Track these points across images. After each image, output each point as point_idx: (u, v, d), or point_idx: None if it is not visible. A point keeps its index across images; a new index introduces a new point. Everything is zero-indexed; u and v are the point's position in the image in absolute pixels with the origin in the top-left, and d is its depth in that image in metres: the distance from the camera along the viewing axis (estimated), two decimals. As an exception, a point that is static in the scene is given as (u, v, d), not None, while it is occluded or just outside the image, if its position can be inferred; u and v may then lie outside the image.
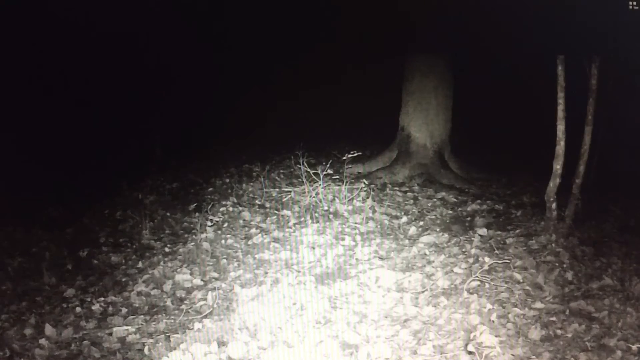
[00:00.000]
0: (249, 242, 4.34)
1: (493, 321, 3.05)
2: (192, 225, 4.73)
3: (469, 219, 4.90)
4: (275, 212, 4.97)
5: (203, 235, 4.41)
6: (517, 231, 4.39)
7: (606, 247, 4.06)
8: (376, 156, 6.59)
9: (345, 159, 5.41)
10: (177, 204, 5.34)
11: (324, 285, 3.56)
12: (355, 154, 5.49)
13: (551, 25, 4.04)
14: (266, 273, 3.79)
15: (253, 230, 4.56)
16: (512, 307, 3.21)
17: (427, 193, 5.65)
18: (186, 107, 7.85)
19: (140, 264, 4.04)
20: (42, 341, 3.04)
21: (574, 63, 4.09)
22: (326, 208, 4.97)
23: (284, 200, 5.22)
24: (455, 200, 5.44)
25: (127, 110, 7.10)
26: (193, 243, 4.32)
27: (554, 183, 4.16)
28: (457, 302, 3.28)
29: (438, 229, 4.60)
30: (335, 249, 4.14)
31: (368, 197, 5.19)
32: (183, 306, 3.43)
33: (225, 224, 4.71)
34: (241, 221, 4.79)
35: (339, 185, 5.33)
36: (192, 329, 3.10)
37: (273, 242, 4.30)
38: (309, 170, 5.34)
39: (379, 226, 4.64)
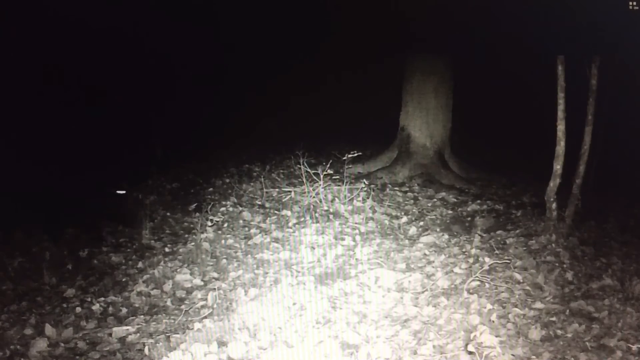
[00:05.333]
0: (249, 242, 4.34)
1: (493, 321, 3.05)
2: (192, 225, 4.73)
3: (469, 219, 4.90)
4: (276, 212, 4.97)
5: (203, 235, 4.41)
6: (517, 231, 4.39)
7: (606, 247, 4.07)
8: (376, 156, 6.60)
9: (345, 159, 5.41)
10: (177, 204, 5.34)
11: (324, 285, 3.56)
12: (355, 154, 5.49)
13: (551, 26, 4.04)
14: (266, 273, 3.79)
15: (253, 230, 4.56)
16: (512, 307, 3.21)
17: (427, 193, 5.65)
18: (187, 107, 7.85)
19: (140, 264, 4.04)
20: (42, 341, 3.03)
21: (574, 63, 4.09)
22: (326, 208, 4.97)
23: (284, 200, 5.22)
24: (456, 200, 5.45)
25: (127, 111, 7.10)
26: (193, 243, 4.32)
27: (554, 183, 4.16)
28: (457, 302, 3.28)
29: (438, 229, 4.60)
30: (335, 249, 4.14)
31: (368, 197, 5.19)
32: (183, 306, 3.43)
33: (226, 224, 4.71)
34: (241, 221, 4.79)
35: (339, 186, 5.33)
36: (192, 329, 3.10)
37: (273, 242, 4.30)
38: (309, 170, 5.34)
39: (379, 226, 4.64)
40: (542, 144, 4.47)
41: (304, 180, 5.28)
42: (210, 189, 5.80)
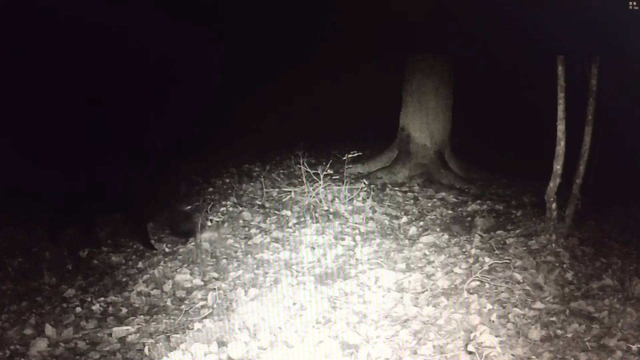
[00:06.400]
0: (249, 242, 4.34)
1: (493, 321, 3.05)
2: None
3: (469, 219, 4.90)
4: (276, 212, 4.97)
5: (203, 235, 4.42)
6: (517, 231, 4.39)
7: (606, 247, 4.07)
8: (376, 156, 6.59)
9: (345, 159, 5.41)
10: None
11: (324, 285, 3.57)
12: (355, 154, 5.49)
13: (551, 25, 4.04)
14: (266, 273, 3.79)
15: (253, 230, 4.56)
16: (512, 307, 3.22)
17: (427, 193, 5.65)
18: (186, 107, 7.85)
19: (140, 264, 4.04)
20: (42, 341, 3.03)
21: (574, 63, 4.09)
22: (326, 208, 4.97)
23: (284, 200, 5.22)
24: (456, 200, 5.45)
25: (127, 110, 7.09)
26: (193, 243, 4.32)
27: (554, 183, 4.16)
28: (457, 302, 3.28)
29: (438, 229, 4.60)
30: (335, 249, 4.14)
31: (368, 197, 5.19)
32: (183, 306, 3.43)
33: (226, 224, 4.71)
34: (241, 221, 4.79)
35: (339, 186, 5.33)
36: (192, 329, 3.10)
37: (273, 242, 4.30)
38: (309, 170, 5.34)
39: (379, 226, 4.64)
40: (542, 144, 4.47)
41: (304, 180, 5.28)
42: (210, 189, 5.79)
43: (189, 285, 3.71)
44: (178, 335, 3.03)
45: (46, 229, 4.58)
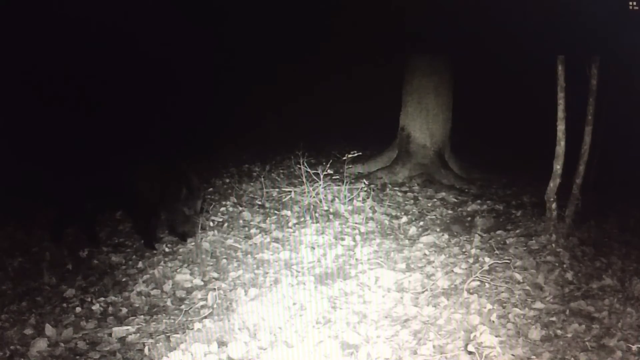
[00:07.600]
0: (249, 242, 4.34)
1: (493, 321, 3.05)
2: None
3: (469, 219, 4.90)
4: (276, 212, 4.97)
5: (203, 235, 4.41)
6: (517, 231, 4.39)
7: (606, 247, 4.06)
8: (376, 156, 6.60)
9: (345, 159, 5.41)
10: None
11: (324, 285, 3.57)
12: (355, 154, 5.49)
13: (551, 26, 4.04)
14: (266, 273, 3.79)
15: (253, 231, 4.56)
16: (512, 307, 3.22)
17: (427, 193, 5.65)
18: (186, 107, 7.85)
19: (140, 264, 4.04)
20: (42, 341, 3.03)
21: (574, 63, 4.09)
22: (326, 208, 4.97)
23: (284, 200, 5.22)
24: (456, 200, 5.45)
25: (127, 110, 7.10)
26: (193, 243, 4.32)
27: (554, 183, 4.16)
28: (457, 302, 3.28)
29: (438, 229, 4.60)
30: (335, 249, 4.14)
31: (368, 197, 5.19)
32: (183, 306, 3.43)
33: (226, 224, 4.71)
34: (241, 221, 4.79)
35: (339, 185, 5.33)
36: (192, 329, 3.10)
37: (273, 242, 4.30)
38: (309, 170, 5.34)
39: (379, 226, 4.64)
40: (542, 144, 4.47)
41: (304, 180, 5.28)
42: (210, 189, 5.79)
43: (189, 285, 3.71)
44: (178, 335, 3.03)
45: (46, 229, 4.58)
